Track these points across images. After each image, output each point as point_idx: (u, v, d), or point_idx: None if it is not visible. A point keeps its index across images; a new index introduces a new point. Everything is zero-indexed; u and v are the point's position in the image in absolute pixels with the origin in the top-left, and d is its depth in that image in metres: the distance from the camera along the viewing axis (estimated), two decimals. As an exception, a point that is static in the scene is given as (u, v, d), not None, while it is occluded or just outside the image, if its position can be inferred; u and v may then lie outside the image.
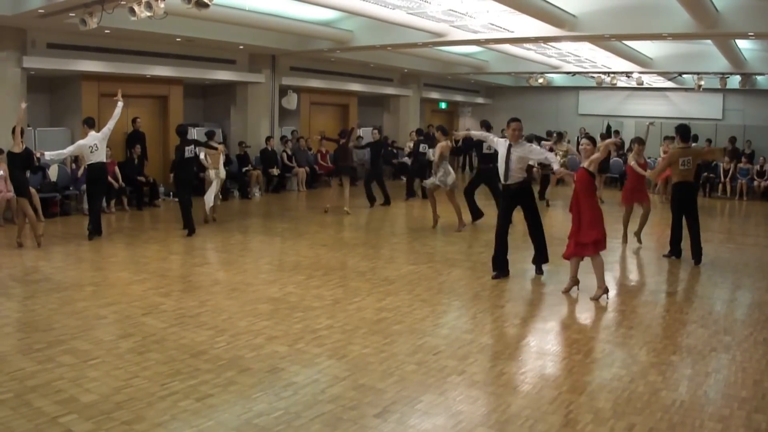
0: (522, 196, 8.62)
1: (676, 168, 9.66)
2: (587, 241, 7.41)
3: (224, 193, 16.05)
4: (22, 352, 5.59)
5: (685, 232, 9.76)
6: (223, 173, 13.11)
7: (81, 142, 10.87)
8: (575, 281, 7.82)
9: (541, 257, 8.88)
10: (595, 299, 7.47)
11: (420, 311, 7.03)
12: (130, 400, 4.66)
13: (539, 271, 8.86)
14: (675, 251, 9.95)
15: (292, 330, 6.33)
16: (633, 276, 9.40)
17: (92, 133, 10.79)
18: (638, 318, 7.02)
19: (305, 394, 4.85)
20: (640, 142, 11.42)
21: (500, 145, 8.63)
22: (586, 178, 7.50)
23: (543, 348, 6.03)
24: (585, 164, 7.55)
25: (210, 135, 12.93)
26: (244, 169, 16.71)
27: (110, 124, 10.93)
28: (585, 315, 7.22)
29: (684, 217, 9.72)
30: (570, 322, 6.95)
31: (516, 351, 5.96)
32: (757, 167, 19.02)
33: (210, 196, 12.50)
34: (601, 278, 7.50)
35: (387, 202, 15.30)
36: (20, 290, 7.66)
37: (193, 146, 11.47)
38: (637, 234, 10.97)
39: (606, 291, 7.53)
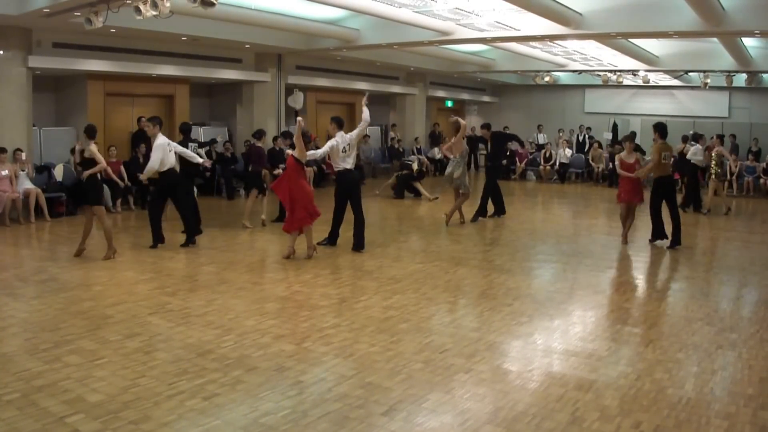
0: (346, 182, 10.01)
1: (659, 163, 10.46)
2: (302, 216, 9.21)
3: (230, 192, 16.13)
4: (29, 352, 5.60)
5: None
6: None
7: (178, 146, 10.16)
8: (293, 251, 9.35)
9: (356, 236, 10.04)
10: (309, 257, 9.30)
11: (426, 310, 7.04)
12: (137, 399, 4.67)
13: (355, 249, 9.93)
14: (662, 234, 10.64)
15: (298, 329, 6.34)
16: (637, 274, 9.37)
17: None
18: (644, 316, 7.01)
19: (312, 393, 4.86)
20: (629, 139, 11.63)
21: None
22: (293, 165, 9.29)
23: (549, 346, 6.02)
24: (294, 153, 9.35)
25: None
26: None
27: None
28: (591, 313, 7.21)
29: (668, 208, 10.56)
30: (576, 320, 6.93)
31: (523, 349, 5.95)
32: (764, 165, 18.96)
33: None
34: (310, 241, 9.39)
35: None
36: (27, 290, 7.68)
37: (195, 145, 11.42)
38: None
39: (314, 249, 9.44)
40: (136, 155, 14.43)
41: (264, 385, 4.98)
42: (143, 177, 10.16)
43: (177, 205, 10.40)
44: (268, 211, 12.51)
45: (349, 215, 10.04)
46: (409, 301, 7.31)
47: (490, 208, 13.26)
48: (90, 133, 9.21)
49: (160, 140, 9.79)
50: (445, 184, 12.78)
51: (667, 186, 10.65)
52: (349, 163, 9.98)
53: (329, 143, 9.93)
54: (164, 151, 9.71)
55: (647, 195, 10.78)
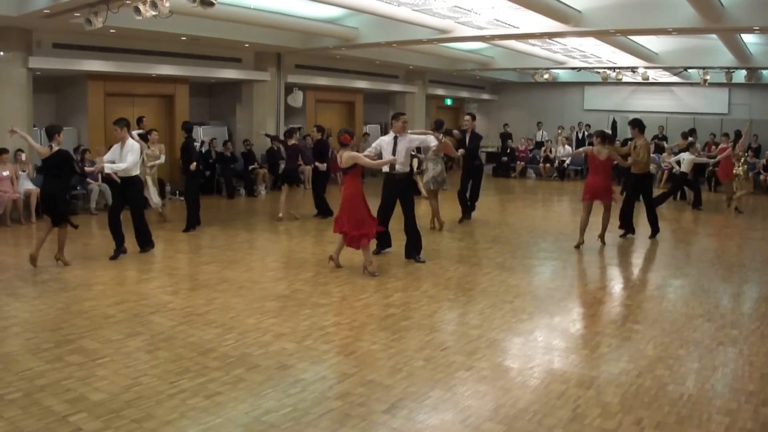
0: (404, 187, 9.18)
1: (647, 161, 11.00)
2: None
3: (230, 191, 16.14)
4: (31, 352, 5.62)
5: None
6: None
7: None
8: (334, 258, 8.76)
9: (414, 247, 9.27)
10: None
11: (428, 307, 7.04)
12: (139, 398, 4.68)
13: (417, 260, 9.19)
14: (631, 228, 11.15)
15: (299, 327, 6.34)
16: (637, 271, 9.38)
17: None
18: (644, 312, 7.01)
19: (313, 391, 4.87)
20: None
21: (384, 141, 9.13)
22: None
23: (550, 343, 6.04)
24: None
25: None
26: (250, 167, 16.74)
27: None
28: (592, 310, 7.23)
29: (644, 203, 11.12)
30: (577, 317, 6.94)
31: (523, 346, 5.96)
32: (764, 161, 18.95)
33: (155, 196, 12.03)
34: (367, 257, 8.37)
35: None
36: (28, 290, 7.69)
37: (199, 143, 11.40)
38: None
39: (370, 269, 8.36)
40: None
41: (265, 384, 4.99)
42: (109, 169, 9.15)
43: (134, 211, 9.56)
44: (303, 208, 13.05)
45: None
46: (410, 299, 7.32)
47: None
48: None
49: (135, 144, 9.33)
50: (442, 185, 11.67)
51: (646, 182, 11.05)
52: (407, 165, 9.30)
53: (419, 140, 9.18)
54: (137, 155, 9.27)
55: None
